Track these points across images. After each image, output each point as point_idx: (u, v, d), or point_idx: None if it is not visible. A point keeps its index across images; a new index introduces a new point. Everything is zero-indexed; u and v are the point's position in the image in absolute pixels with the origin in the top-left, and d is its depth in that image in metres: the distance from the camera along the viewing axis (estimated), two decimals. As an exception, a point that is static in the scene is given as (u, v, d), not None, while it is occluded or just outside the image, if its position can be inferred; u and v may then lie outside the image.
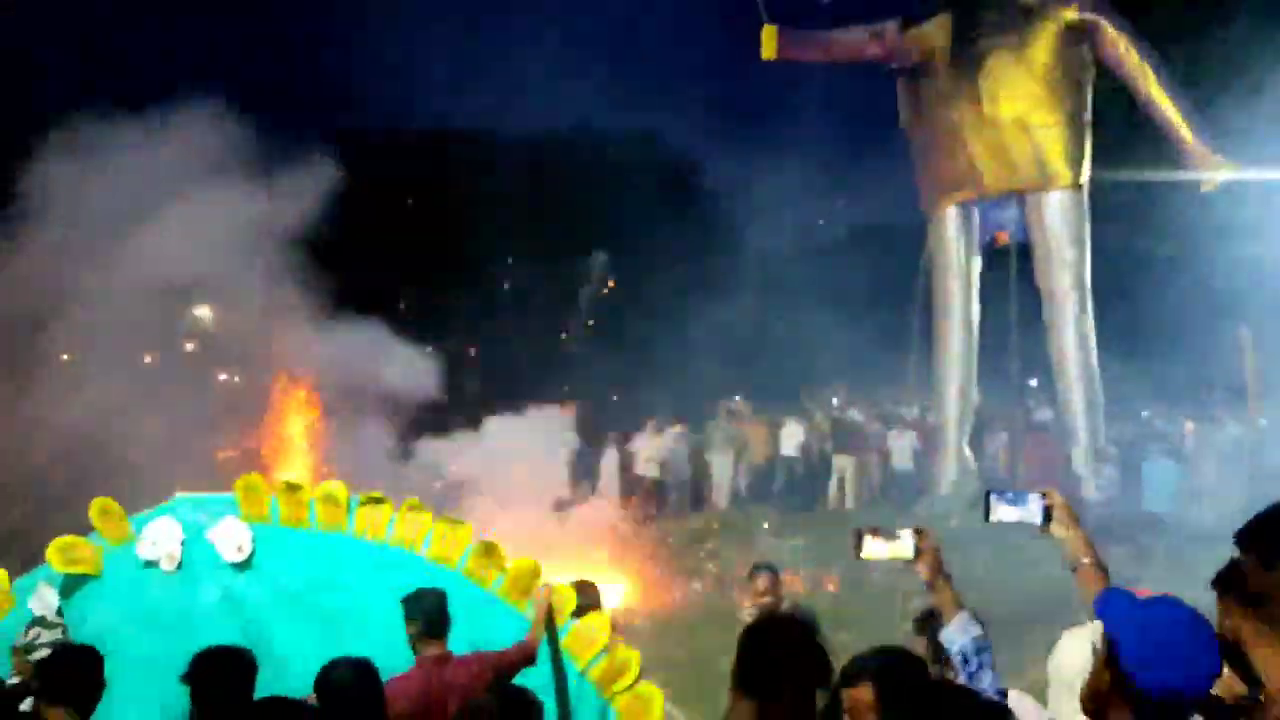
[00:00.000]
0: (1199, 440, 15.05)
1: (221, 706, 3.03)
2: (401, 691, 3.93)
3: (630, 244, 24.55)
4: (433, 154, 27.00)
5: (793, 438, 16.14)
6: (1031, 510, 2.81)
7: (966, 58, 13.29)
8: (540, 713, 3.21)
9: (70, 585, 5.00)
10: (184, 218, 9.02)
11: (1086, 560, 2.68)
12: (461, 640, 4.33)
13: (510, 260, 28.16)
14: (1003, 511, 2.86)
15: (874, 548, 2.95)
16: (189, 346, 13.54)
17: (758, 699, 2.48)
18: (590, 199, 25.59)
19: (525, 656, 4.37)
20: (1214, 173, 13.38)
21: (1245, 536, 1.88)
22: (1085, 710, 2.59)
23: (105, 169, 9.11)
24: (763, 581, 5.16)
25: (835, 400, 18.39)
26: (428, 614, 4.15)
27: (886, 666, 2.52)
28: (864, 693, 2.40)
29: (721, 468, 16.11)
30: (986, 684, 2.64)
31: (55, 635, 4.37)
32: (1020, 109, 12.99)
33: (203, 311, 15.31)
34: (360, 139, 23.89)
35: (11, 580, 5.03)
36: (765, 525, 13.71)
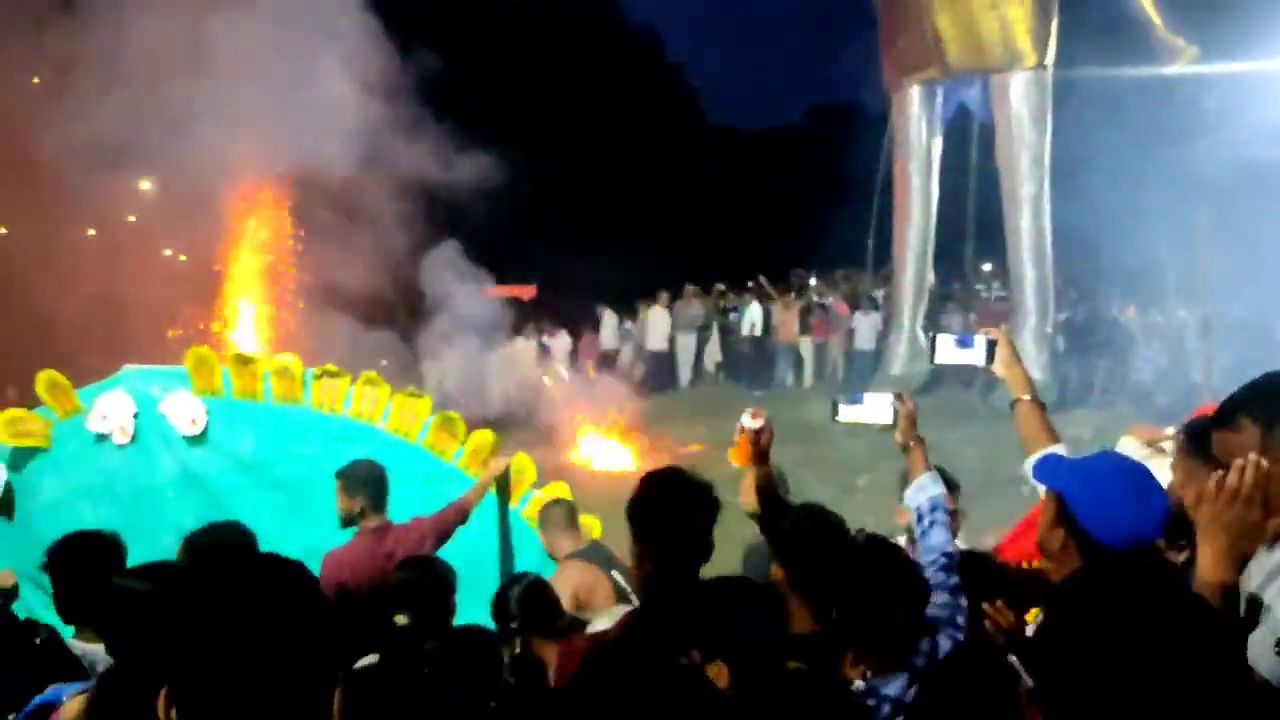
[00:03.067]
0: (1141, 327, 15.33)
1: (81, 592, 2.91)
2: (342, 562, 3.97)
3: (589, 118, 23.95)
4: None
5: (754, 317, 16.25)
6: (976, 351, 2.84)
7: (936, -70, 12.90)
8: (446, 581, 3.27)
9: (19, 459, 4.94)
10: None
11: (1026, 397, 2.73)
12: (423, 510, 4.36)
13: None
14: (949, 353, 2.89)
15: (851, 412, 3.00)
16: (131, 219, 13.11)
17: (653, 542, 2.53)
18: (547, 66, 24.76)
19: (459, 513, 4.37)
20: (1181, 62, 13.32)
21: (1234, 404, 1.91)
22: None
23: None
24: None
25: (812, 282, 18.41)
26: (367, 487, 4.13)
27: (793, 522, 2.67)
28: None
29: (685, 347, 16.28)
30: (934, 541, 2.69)
31: None
32: (988, -15, 12.71)
33: (146, 184, 14.80)
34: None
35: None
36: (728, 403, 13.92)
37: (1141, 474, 2.09)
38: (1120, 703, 1.20)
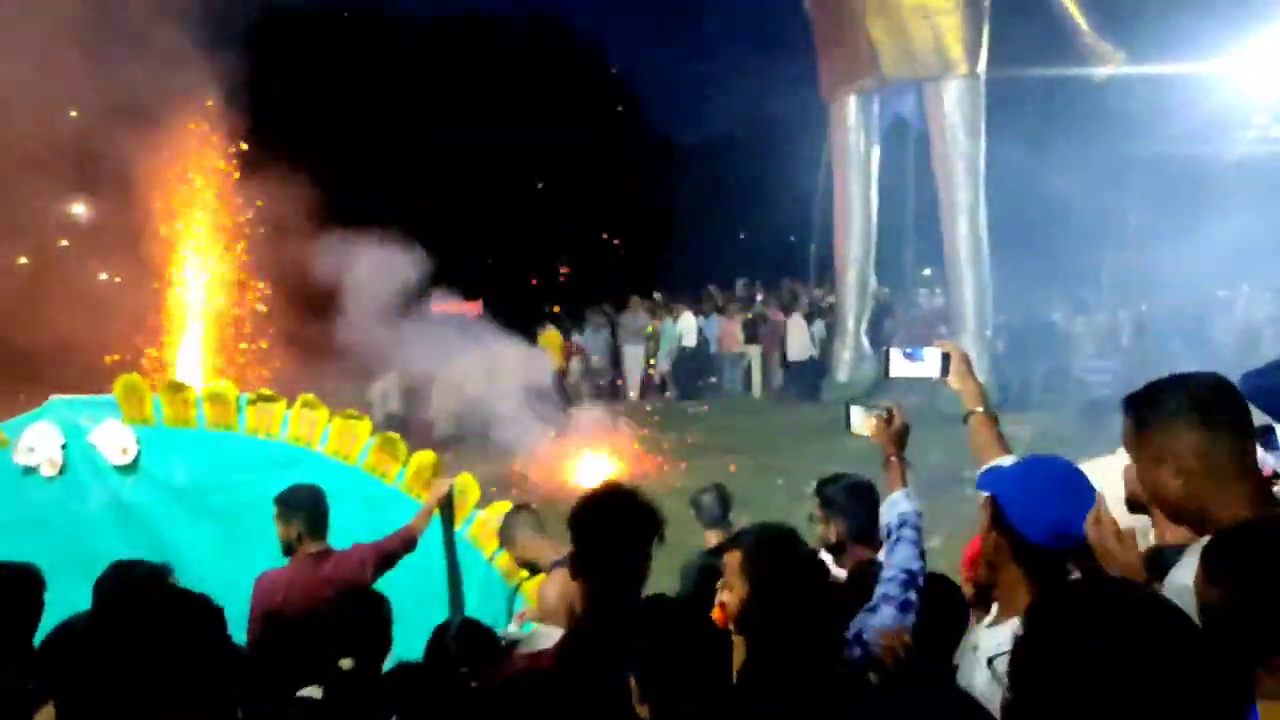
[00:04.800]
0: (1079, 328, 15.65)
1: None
2: (276, 585, 3.88)
3: (529, 128, 23.85)
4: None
5: (690, 328, 16.29)
6: (929, 364, 2.84)
7: (868, -60, 13.11)
8: (381, 612, 3.25)
9: (-56, 493, 4.77)
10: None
11: (980, 409, 2.75)
12: (365, 535, 4.28)
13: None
14: (901, 366, 2.88)
15: (856, 421, 2.91)
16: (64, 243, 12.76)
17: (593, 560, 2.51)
18: (485, 81, 24.64)
19: (405, 542, 4.27)
20: (1107, 65, 13.67)
21: (1127, 398, 1.97)
22: (975, 577, 2.69)
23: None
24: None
25: (754, 294, 18.49)
26: (303, 511, 4.05)
27: (757, 537, 2.58)
28: (733, 558, 2.46)
29: (633, 359, 16.27)
30: (898, 558, 2.62)
31: None
32: (920, -6, 12.94)
33: (79, 207, 14.44)
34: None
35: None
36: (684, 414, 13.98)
37: (1070, 474, 2.13)
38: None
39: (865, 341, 14.33)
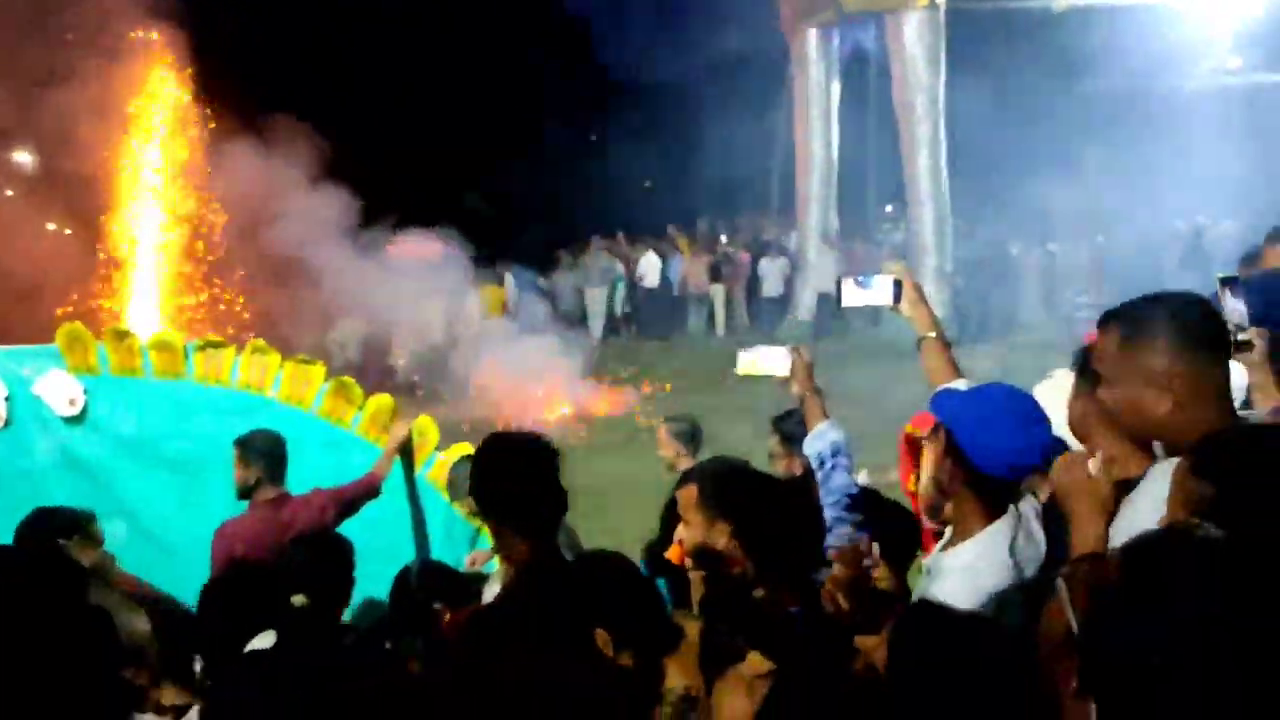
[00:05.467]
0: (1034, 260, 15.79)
1: None
2: (235, 534, 3.84)
3: (480, 65, 23.33)
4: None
5: (653, 269, 16.23)
6: (881, 291, 2.84)
7: None
8: (344, 558, 3.25)
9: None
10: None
11: (933, 334, 2.76)
12: (323, 480, 4.23)
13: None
14: (854, 295, 2.89)
15: (749, 364, 3.00)
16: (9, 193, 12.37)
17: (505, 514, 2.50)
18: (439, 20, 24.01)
19: (368, 488, 4.24)
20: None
21: (1107, 315, 1.94)
22: (927, 506, 2.71)
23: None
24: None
25: (718, 235, 18.40)
26: (264, 457, 4.00)
27: (710, 468, 2.61)
28: (689, 493, 2.45)
29: (595, 300, 16.21)
30: (835, 484, 2.73)
31: None
32: (882, -76, 12.76)
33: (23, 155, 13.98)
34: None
35: None
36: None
37: (1026, 402, 2.12)
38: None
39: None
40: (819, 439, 2.84)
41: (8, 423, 4.65)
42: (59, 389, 4.64)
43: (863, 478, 3.46)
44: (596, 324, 16.16)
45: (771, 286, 15.73)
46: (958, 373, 2.68)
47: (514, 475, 2.47)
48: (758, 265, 16.04)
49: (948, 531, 2.21)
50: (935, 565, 2.16)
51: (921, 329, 2.77)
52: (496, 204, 20.10)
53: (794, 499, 2.54)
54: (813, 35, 13.79)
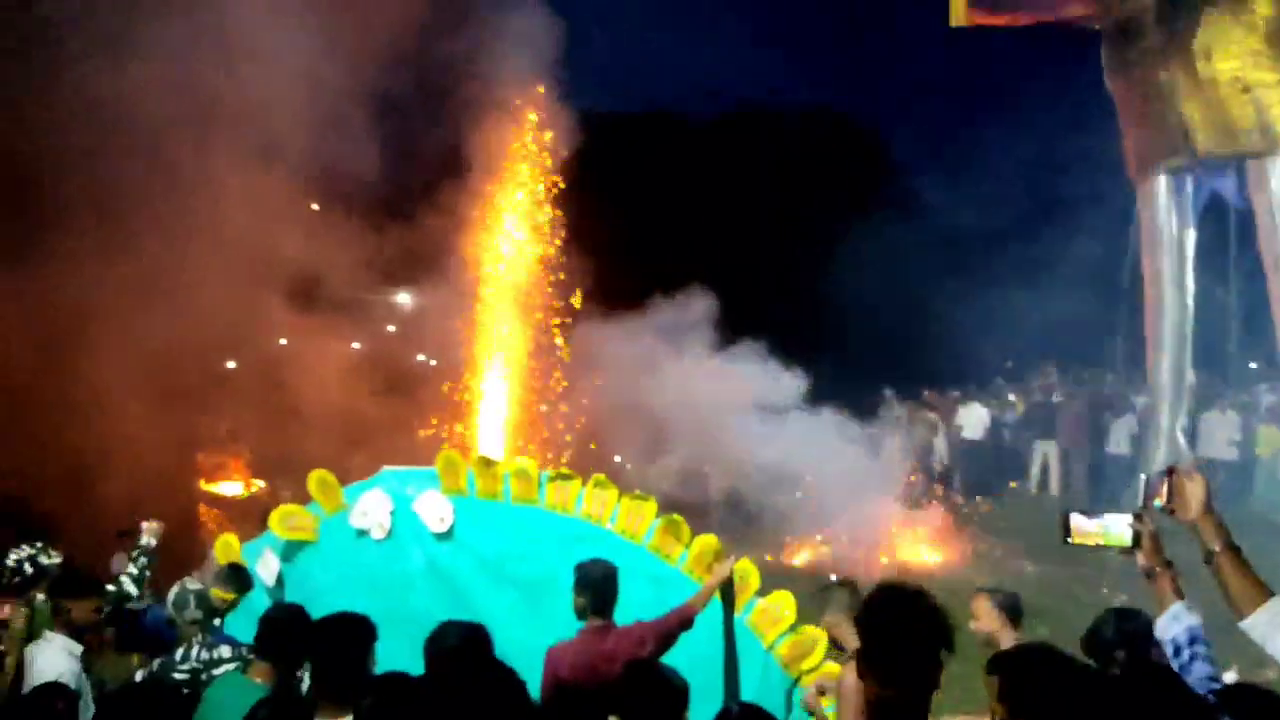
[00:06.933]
0: None
1: (340, 673, 3.16)
2: (562, 659, 4.08)
3: (817, 221, 24.10)
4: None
5: (978, 421, 15.50)
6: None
7: (1177, 12, 12.31)
8: (678, 695, 3.21)
9: (291, 550, 5.48)
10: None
11: (1218, 547, 2.48)
12: (645, 613, 4.43)
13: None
14: (1085, 531, 2.68)
15: (1085, 531, 2.74)
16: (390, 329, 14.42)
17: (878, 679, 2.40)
18: (773, 179, 25.27)
19: (683, 621, 4.35)
20: None
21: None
22: None
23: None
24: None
25: (1051, 385, 17.41)
26: (595, 588, 4.25)
27: (1015, 659, 2.42)
28: (992, 683, 2.31)
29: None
30: (1196, 675, 2.47)
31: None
32: (1238, 66, 11.91)
33: (402, 297, 16.26)
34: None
35: (241, 545, 5.57)
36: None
37: None
38: None
39: (1181, 438, 13.02)
40: (1175, 622, 2.58)
41: (390, 533, 5.34)
42: (433, 508, 5.28)
43: (1230, 676, 3.09)
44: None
45: (1116, 443, 14.47)
46: (1266, 588, 2.38)
47: (900, 625, 2.41)
48: (1101, 419, 14.90)
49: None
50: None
51: (1210, 540, 2.48)
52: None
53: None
54: (1163, 180, 13.00)
